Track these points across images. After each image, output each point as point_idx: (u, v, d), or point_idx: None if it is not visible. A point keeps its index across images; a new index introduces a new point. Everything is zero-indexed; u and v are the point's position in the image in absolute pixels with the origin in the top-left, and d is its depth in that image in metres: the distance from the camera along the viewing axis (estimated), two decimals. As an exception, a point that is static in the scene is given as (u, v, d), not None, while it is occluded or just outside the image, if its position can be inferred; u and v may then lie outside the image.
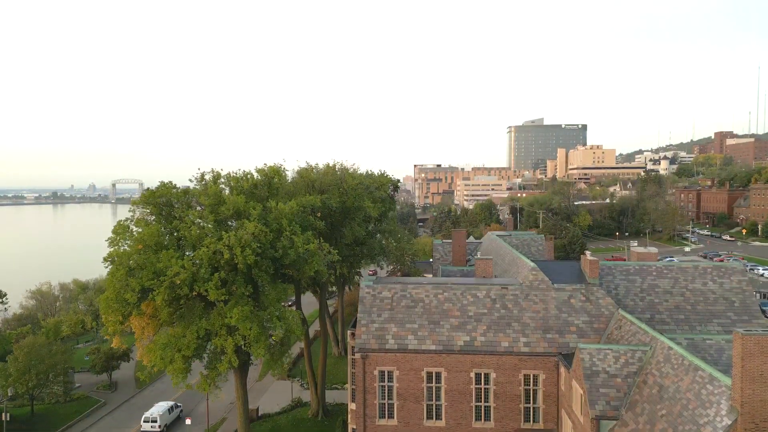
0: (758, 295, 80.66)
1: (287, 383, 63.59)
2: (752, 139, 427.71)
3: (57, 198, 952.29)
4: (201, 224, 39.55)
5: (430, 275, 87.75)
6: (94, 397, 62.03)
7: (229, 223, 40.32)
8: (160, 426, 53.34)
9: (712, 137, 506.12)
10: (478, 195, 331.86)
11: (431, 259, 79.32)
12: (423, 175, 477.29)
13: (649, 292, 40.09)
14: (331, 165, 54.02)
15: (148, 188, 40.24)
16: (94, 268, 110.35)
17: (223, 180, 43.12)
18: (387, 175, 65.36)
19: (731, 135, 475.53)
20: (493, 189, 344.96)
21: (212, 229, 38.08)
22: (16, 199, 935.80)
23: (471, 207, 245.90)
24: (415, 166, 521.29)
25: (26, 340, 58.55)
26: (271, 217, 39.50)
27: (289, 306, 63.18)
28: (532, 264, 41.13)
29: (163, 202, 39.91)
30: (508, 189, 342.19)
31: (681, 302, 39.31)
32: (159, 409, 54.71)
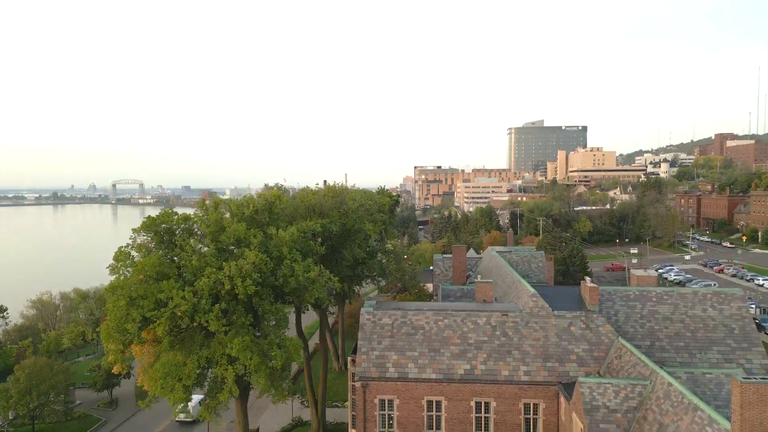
0: (758, 310, 79.96)
1: (287, 401, 63.56)
2: (752, 141, 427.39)
3: (57, 198, 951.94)
4: (202, 250, 39.64)
5: (430, 285, 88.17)
6: (95, 416, 62.02)
7: (231, 248, 40.40)
8: (192, 417, 57.74)
9: (713, 138, 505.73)
10: (478, 197, 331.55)
11: (431, 267, 79.45)
12: (423, 176, 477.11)
13: (649, 319, 40.13)
14: (331, 186, 54.10)
15: (149, 216, 40.25)
16: (94, 269, 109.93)
17: (224, 206, 43.20)
18: (387, 192, 65.53)
19: (732, 137, 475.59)
20: (493, 191, 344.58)
21: (213, 258, 38.13)
22: (17, 199, 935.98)
23: (471, 210, 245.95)
24: (415, 167, 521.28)
25: (27, 361, 58.49)
26: (271, 245, 39.59)
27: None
28: (533, 290, 41.20)
29: (165, 230, 39.96)
30: (509, 191, 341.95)
31: (681, 329, 39.34)
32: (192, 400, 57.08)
